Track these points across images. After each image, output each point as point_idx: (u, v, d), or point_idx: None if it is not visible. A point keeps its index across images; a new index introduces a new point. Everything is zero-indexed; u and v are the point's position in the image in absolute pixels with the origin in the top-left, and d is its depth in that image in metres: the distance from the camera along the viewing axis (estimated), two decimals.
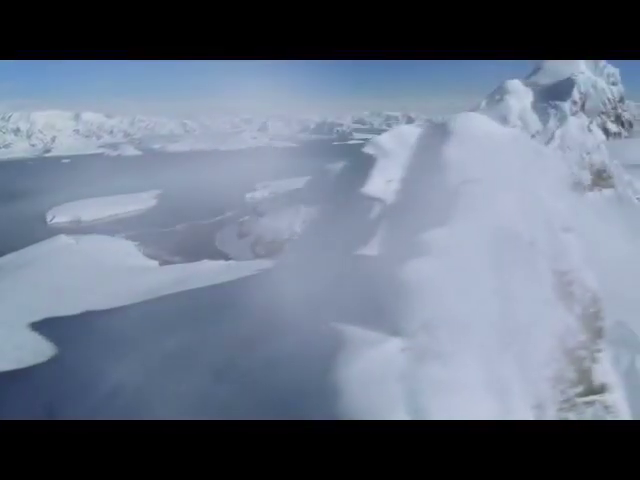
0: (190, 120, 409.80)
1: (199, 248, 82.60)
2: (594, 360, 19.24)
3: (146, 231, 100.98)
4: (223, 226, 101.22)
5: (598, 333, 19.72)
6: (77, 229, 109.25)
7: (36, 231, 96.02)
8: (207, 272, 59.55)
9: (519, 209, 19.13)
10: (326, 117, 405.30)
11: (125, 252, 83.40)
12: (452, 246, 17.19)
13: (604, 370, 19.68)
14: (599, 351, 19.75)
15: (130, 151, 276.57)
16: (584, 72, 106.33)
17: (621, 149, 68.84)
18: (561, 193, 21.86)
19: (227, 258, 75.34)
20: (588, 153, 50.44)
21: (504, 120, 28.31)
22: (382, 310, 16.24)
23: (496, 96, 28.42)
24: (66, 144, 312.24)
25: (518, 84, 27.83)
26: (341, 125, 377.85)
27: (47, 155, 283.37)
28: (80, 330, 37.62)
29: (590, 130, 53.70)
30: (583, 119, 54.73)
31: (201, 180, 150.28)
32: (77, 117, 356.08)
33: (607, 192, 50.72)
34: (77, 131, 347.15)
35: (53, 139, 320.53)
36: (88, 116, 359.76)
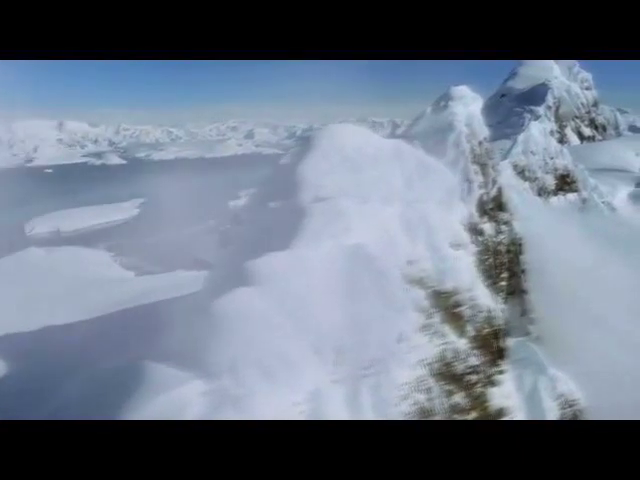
0: (176, 128, 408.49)
1: (179, 258, 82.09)
2: (494, 383, 18.48)
3: (126, 241, 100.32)
4: (205, 235, 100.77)
5: (499, 354, 19.03)
6: (56, 240, 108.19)
7: (15, 243, 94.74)
8: (179, 283, 59.01)
9: (393, 226, 18.33)
10: (312, 123, 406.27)
11: (100, 263, 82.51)
12: (286, 274, 15.90)
13: (505, 393, 18.88)
14: (501, 373, 19.04)
15: (114, 160, 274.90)
16: (558, 77, 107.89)
17: (589, 153, 69.65)
18: (451, 207, 21.23)
19: (207, 267, 74.84)
20: (552, 158, 50.86)
21: (450, 127, 28.08)
22: (196, 348, 14.80)
23: (441, 102, 28.43)
24: (49, 153, 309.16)
25: (465, 90, 27.84)
26: None
27: (29, 165, 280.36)
28: (35, 344, 37.06)
29: (555, 134, 54.16)
30: (546, 124, 55.25)
31: (185, 188, 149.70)
32: (61, 126, 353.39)
33: (571, 197, 51.11)
34: (60, 140, 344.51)
35: (35, 149, 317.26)
36: (72, 125, 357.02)
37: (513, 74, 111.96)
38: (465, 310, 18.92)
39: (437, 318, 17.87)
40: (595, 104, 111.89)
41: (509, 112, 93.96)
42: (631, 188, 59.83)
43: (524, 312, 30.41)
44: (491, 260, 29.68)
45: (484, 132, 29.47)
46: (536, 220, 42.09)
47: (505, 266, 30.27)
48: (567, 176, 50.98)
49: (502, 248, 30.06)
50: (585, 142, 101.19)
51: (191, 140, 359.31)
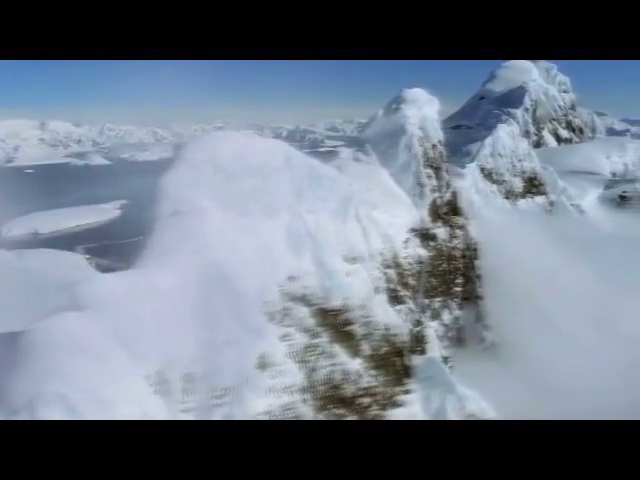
0: (161, 129, 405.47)
1: None
2: (398, 404, 17.50)
3: (105, 243, 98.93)
4: None
5: (405, 373, 18.12)
6: (33, 242, 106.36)
7: None
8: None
9: (276, 240, 17.15)
10: (299, 124, 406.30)
11: (73, 266, 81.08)
12: (124, 296, 14.69)
13: (411, 413, 17.88)
14: (407, 392, 18.14)
15: (98, 160, 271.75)
16: (536, 80, 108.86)
17: (561, 156, 70.03)
18: (347, 217, 20.16)
19: None
20: (520, 160, 50.86)
21: (401, 130, 27.65)
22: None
23: (393, 105, 28.04)
24: (30, 153, 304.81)
25: (420, 93, 27.42)
26: (314, 132, 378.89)
27: (9, 165, 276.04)
28: None
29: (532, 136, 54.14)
30: (514, 126, 55.34)
31: None
32: (43, 126, 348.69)
33: (539, 199, 51.16)
34: (43, 140, 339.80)
35: (16, 148, 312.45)
36: (55, 125, 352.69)
37: (492, 77, 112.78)
38: (357, 328, 17.72)
39: (325, 337, 16.89)
40: (573, 107, 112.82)
41: (488, 114, 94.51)
42: (600, 190, 60.12)
43: (479, 318, 30.23)
44: (445, 265, 29.45)
45: (438, 135, 29.12)
46: (500, 223, 42.03)
47: (460, 271, 30.02)
48: (535, 179, 51.02)
49: (457, 253, 29.80)
50: (562, 144, 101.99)
51: (176, 141, 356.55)
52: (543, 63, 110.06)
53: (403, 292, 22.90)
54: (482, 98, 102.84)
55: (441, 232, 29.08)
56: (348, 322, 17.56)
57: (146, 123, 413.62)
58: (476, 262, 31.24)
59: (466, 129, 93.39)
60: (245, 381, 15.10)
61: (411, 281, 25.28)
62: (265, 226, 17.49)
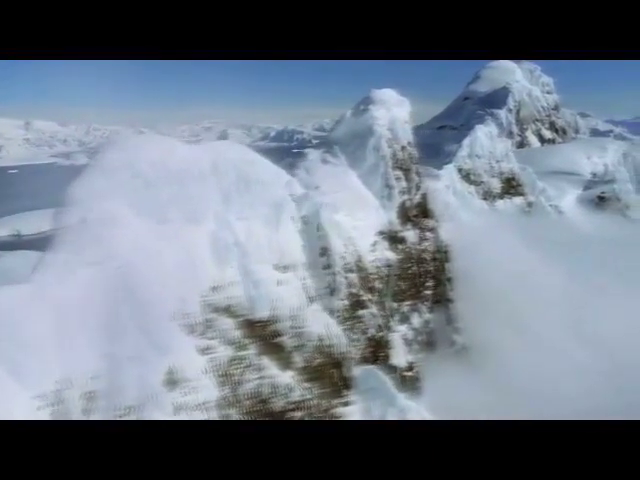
0: (148, 129, 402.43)
1: None
2: (336, 416, 16.77)
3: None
4: None
5: (344, 384, 17.52)
6: (17, 243, 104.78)
7: None
8: None
9: (199, 249, 16.30)
10: (287, 124, 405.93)
11: None
12: (13, 312, 13.89)
13: None
14: (346, 405, 17.59)
15: (83, 160, 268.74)
16: (519, 81, 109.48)
17: (542, 156, 70.12)
18: (279, 223, 19.51)
19: None
20: (498, 161, 50.72)
21: (370, 131, 27.19)
22: None
23: (361, 106, 27.59)
24: (14, 153, 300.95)
25: (389, 93, 26.93)
26: (302, 133, 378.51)
27: None
28: None
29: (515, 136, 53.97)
30: (492, 127, 55.26)
31: None
32: (28, 125, 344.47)
33: (517, 200, 51.07)
34: (27, 140, 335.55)
35: None
36: (40, 124, 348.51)
37: (476, 77, 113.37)
38: (288, 340, 17.14)
39: (252, 350, 16.29)
40: (556, 107, 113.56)
41: (471, 115, 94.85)
42: (579, 191, 60.24)
43: (450, 321, 29.87)
44: (415, 268, 29.05)
45: (408, 136, 28.69)
46: (476, 225, 41.79)
47: (430, 274, 29.63)
48: (513, 179, 50.92)
49: (427, 256, 29.41)
50: (545, 144, 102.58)
51: None
52: (527, 64, 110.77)
53: (366, 297, 22.48)
54: (466, 99, 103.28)
55: (411, 235, 28.67)
56: (277, 333, 16.81)
57: (133, 123, 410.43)
58: (447, 265, 30.86)
59: (450, 129, 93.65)
60: (150, 399, 14.28)
61: (378, 285, 24.86)
62: (187, 234, 16.74)
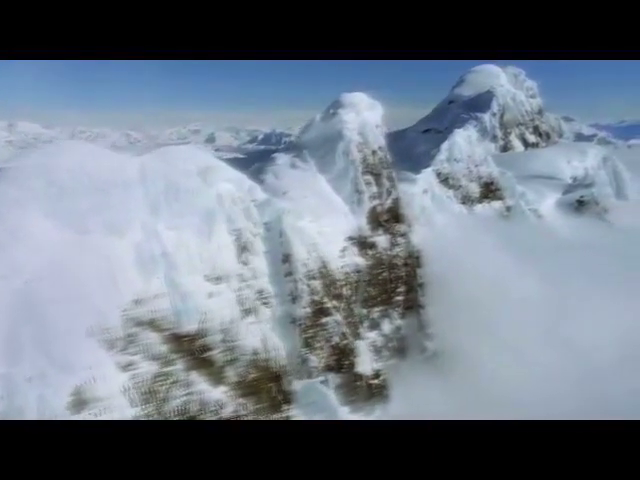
0: (135, 131, 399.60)
1: None
2: None
3: None
4: None
5: (284, 398, 16.97)
6: None
7: None
8: None
9: (122, 260, 15.67)
10: (275, 127, 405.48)
11: None
12: None
13: None
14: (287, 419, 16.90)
15: None
16: (504, 85, 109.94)
17: (523, 160, 70.24)
18: (212, 233, 18.96)
19: None
20: (476, 165, 50.62)
21: (339, 135, 26.77)
22: None
23: (330, 110, 27.19)
24: None
25: (360, 97, 26.52)
26: (289, 135, 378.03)
27: None
28: None
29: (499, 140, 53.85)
30: (471, 131, 55.18)
31: None
32: (11, 127, 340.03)
33: (496, 204, 50.96)
34: (10, 142, 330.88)
35: None
36: (24, 126, 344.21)
37: (461, 81, 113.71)
38: (218, 354, 16.55)
39: (179, 365, 15.70)
40: (540, 112, 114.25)
41: (456, 118, 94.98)
42: (559, 195, 60.37)
43: (421, 327, 29.47)
44: (385, 274, 28.63)
45: (379, 141, 28.26)
46: (453, 229, 41.50)
47: (402, 280, 29.23)
48: (492, 184, 50.82)
49: (398, 261, 29.00)
50: (529, 148, 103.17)
51: (150, 143, 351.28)
52: (511, 68, 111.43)
53: (331, 304, 21.99)
54: (451, 102, 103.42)
55: (382, 240, 28.24)
56: (207, 348, 16.11)
57: (119, 126, 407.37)
58: (419, 270, 30.47)
59: (435, 133, 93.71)
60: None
61: (345, 291, 24.38)
62: (109, 245, 16.03)
